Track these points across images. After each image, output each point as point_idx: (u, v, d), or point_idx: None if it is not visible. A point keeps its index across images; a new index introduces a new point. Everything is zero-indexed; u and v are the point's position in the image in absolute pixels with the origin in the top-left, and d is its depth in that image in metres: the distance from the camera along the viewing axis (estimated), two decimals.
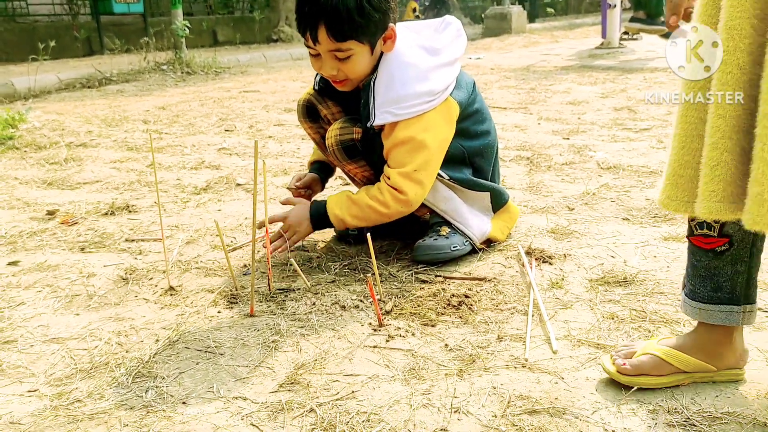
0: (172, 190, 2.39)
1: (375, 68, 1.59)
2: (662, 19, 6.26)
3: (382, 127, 1.58)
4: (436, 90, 1.56)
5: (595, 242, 1.74)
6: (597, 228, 1.85)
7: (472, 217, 1.68)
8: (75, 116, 4.07)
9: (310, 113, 1.77)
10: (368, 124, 1.57)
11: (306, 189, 1.83)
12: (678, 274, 1.51)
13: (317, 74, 1.73)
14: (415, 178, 1.55)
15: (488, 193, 1.71)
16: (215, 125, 3.69)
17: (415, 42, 1.62)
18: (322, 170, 1.89)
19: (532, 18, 13.69)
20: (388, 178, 1.56)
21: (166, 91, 5.36)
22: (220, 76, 6.42)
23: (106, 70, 6.04)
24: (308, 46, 1.54)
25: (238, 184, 2.44)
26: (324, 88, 1.73)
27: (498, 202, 1.75)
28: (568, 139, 3.03)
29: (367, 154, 1.64)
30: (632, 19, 6.59)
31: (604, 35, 7.69)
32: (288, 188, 1.85)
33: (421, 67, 1.57)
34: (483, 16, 12.32)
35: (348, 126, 1.62)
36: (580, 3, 19.57)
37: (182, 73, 6.37)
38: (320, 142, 1.81)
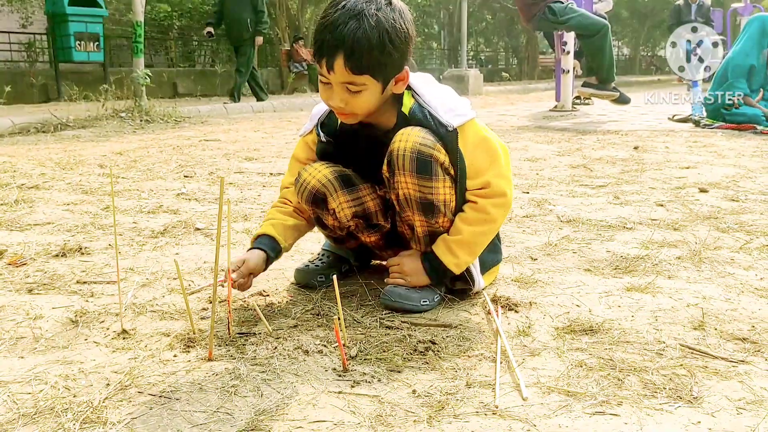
0: (128, 234, 2.31)
1: (399, 99, 1.59)
2: (613, 84, 6.54)
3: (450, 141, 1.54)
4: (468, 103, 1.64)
5: (560, 291, 1.74)
6: (560, 278, 1.85)
7: (478, 266, 1.68)
8: (28, 159, 3.96)
9: (315, 201, 1.65)
10: (448, 128, 1.53)
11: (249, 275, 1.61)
12: (643, 324, 1.52)
13: (319, 119, 1.69)
14: (506, 175, 1.59)
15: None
16: (174, 171, 3.63)
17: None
18: (271, 248, 1.66)
19: (487, 81, 14.13)
20: (483, 190, 1.56)
21: (124, 137, 5.28)
22: (180, 125, 6.38)
23: (62, 116, 5.94)
24: (321, 74, 1.50)
25: (197, 229, 2.38)
26: (332, 137, 1.68)
27: (493, 261, 1.76)
28: (527, 193, 3.07)
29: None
30: (584, 84, 6.87)
31: (558, 98, 7.99)
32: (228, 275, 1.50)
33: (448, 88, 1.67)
34: (441, 77, 12.68)
35: (433, 141, 1.51)
36: (533, 69, 20.47)
37: (141, 120, 6.31)
38: (325, 228, 1.73)
